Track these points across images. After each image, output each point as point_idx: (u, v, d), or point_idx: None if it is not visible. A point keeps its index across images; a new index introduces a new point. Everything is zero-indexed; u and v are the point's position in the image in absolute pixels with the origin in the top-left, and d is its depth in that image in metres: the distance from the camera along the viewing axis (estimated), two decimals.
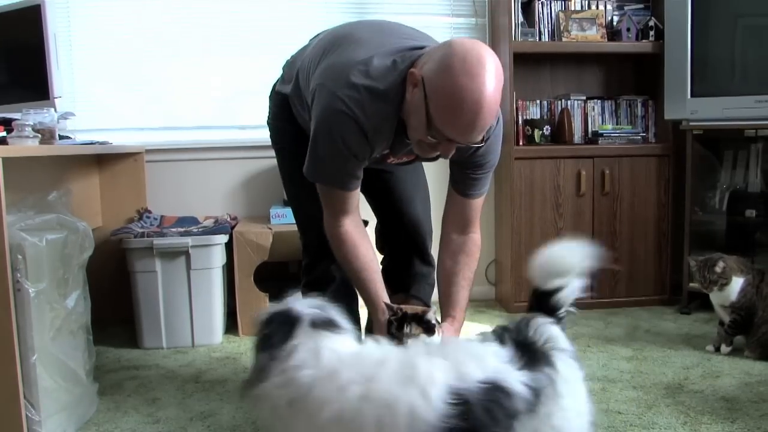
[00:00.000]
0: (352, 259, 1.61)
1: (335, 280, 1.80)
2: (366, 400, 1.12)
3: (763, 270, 2.46)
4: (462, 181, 1.67)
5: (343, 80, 1.47)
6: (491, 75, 1.33)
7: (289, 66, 1.81)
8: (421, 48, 1.50)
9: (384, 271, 1.96)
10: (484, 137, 1.45)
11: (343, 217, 1.59)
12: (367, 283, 1.61)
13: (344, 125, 1.47)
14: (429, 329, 1.50)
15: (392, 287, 1.91)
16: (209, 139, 3.24)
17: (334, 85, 1.48)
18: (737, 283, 2.43)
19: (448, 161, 1.69)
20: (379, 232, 2.02)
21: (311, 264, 1.84)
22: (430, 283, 2.01)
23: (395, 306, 1.53)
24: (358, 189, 1.61)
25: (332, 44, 1.60)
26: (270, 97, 1.87)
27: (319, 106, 1.51)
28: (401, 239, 1.94)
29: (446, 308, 1.68)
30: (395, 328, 1.50)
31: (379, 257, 2.02)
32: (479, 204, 1.71)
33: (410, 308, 1.55)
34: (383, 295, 1.62)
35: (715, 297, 2.50)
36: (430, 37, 1.67)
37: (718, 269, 2.43)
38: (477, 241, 1.72)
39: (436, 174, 2.17)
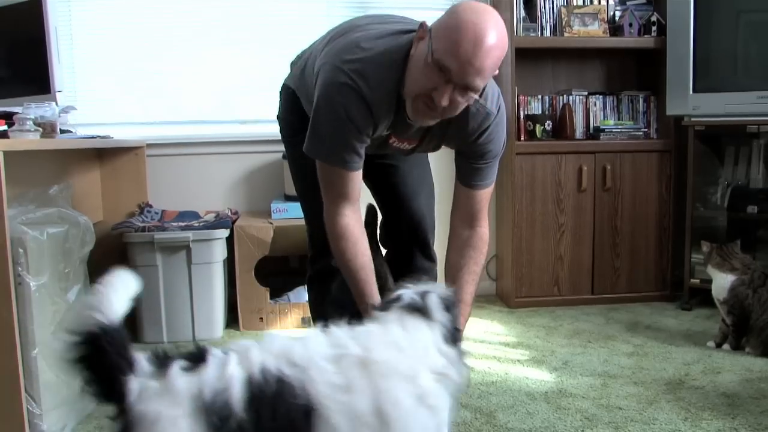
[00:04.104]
0: (351, 257, 1.60)
1: (339, 271, 1.79)
2: None
3: (767, 273, 2.45)
4: (466, 172, 1.68)
5: (346, 54, 1.50)
6: (495, 24, 1.39)
7: (298, 59, 1.83)
8: None
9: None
10: (482, 93, 1.47)
11: (343, 204, 1.57)
12: (364, 284, 1.61)
13: (347, 97, 1.47)
14: None
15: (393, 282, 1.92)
16: (210, 134, 3.23)
17: (336, 60, 1.50)
18: (726, 280, 2.44)
19: (453, 154, 1.69)
20: (384, 226, 2.02)
21: (316, 255, 1.84)
22: (431, 280, 2.01)
23: None
24: (360, 172, 1.58)
25: (337, 33, 1.63)
26: (280, 92, 1.89)
27: (322, 82, 1.51)
28: (404, 233, 1.94)
29: None
30: None
31: (383, 251, 2.02)
32: (485, 196, 1.70)
33: None
34: (377, 297, 1.62)
35: (713, 288, 2.51)
36: None
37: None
38: (483, 236, 1.72)
39: (443, 172, 2.17)
